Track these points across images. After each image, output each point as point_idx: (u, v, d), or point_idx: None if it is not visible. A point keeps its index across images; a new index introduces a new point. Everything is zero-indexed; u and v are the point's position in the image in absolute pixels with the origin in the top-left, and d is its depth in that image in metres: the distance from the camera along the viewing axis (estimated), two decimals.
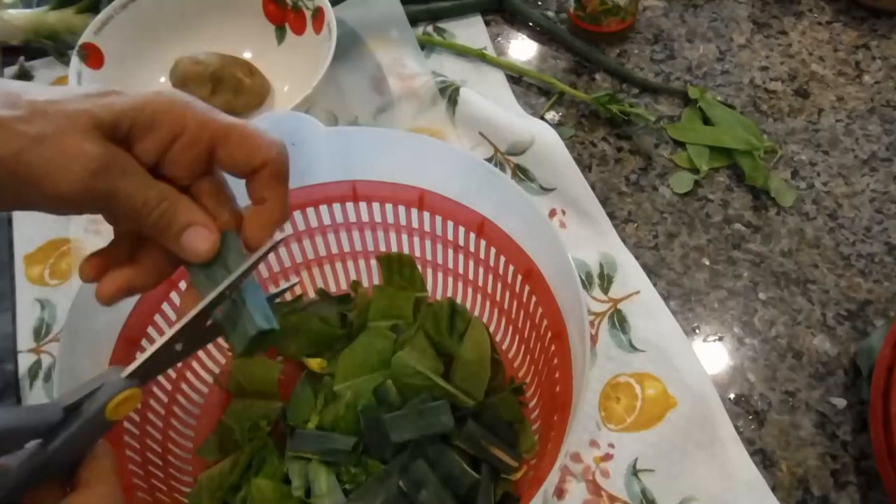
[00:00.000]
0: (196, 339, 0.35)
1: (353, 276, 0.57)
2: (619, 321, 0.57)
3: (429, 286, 0.56)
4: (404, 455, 0.47)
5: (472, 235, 0.50)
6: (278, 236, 0.37)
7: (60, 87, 0.33)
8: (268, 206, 0.36)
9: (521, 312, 0.50)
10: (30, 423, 0.30)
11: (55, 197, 0.31)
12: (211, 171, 0.35)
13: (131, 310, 0.46)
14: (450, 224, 0.50)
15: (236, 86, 0.68)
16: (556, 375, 0.44)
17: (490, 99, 0.70)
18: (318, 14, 0.68)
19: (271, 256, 0.53)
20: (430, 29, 0.78)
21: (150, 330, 0.47)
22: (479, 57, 0.75)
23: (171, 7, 0.72)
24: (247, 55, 0.73)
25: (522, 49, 0.77)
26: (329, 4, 0.67)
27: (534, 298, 0.47)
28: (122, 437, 0.44)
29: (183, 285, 0.49)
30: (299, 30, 0.71)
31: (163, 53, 0.71)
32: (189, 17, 0.73)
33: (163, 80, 0.70)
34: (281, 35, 0.73)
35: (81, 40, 0.66)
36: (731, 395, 0.55)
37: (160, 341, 0.34)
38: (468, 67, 0.75)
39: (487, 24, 0.79)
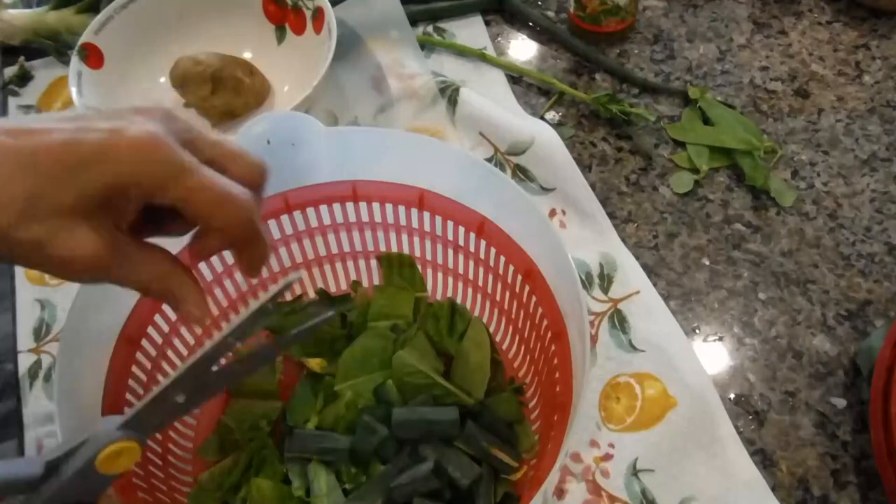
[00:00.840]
0: (200, 390, 0.33)
1: (353, 276, 0.57)
2: (619, 321, 0.57)
3: (429, 286, 0.56)
4: (404, 454, 0.47)
5: (472, 235, 0.50)
6: (292, 276, 0.34)
7: (29, 153, 0.30)
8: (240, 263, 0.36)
9: (521, 312, 0.50)
10: (6, 478, 0.29)
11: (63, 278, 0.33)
12: None
13: (131, 310, 0.46)
14: (450, 224, 0.50)
15: (236, 86, 0.68)
16: (556, 375, 0.44)
17: (490, 99, 0.70)
18: (318, 14, 0.68)
19: (272, 257, 0.53)
20: (430, 29, 0.78)
21: (150, 330, 0.47)
22: (479, 57, 0.75)
23: (170, 7, 0.72)
24: (247, 55, 0.73)
25: (522, 49, 0.77)
26: (329, 4, 0.67)
27: (534, 298, 0.47)
28: None
29: None
30: (299, 30, 0.71)
31: (163, 53, 0.71)
32: (189, 18, 0.73)
33: (163, 79, 0.70)
34: (281, 35, 0.73)
35: (81, 40, 0.66)
36: (731, 395, 0.55)
37: (155, 391, 0.32)
38: (468, 67, 0.75)
39: (487, 24, 0.79)
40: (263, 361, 0.36)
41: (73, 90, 0.64)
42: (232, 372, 0.34)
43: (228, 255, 0.51)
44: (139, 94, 0.70)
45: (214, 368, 0.33)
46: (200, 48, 0.69)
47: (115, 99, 0.68)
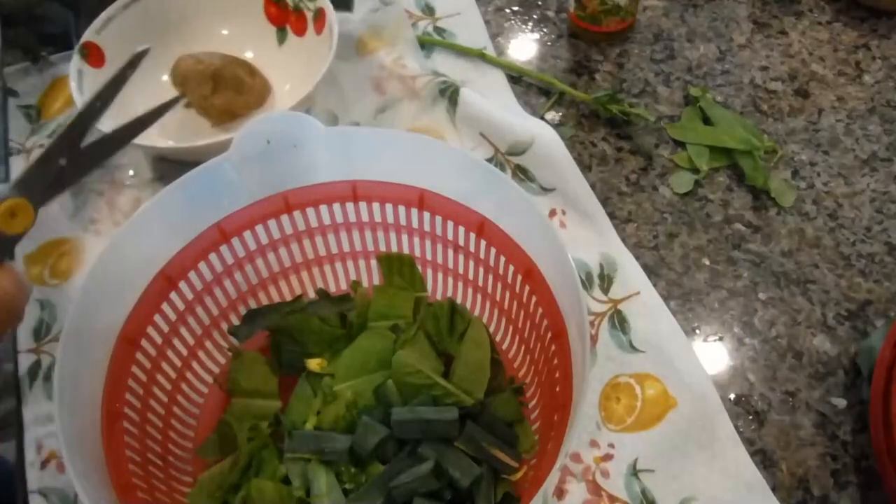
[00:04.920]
0: (79, 159, 0.40)
1: (353, 276, 0.57)
2: (619, 321, 0.57)
3: (429, 286, 0.56)
4: (404, 454, 0.47)
5: (472, 235, 0.50)
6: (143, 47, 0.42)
7: None
8: None
9: (521, 312, 0.50)
10: None
11: None
12: None
13: (131, 310, 0.46)
14: (450, 224, 0.50)
15: (237, 85, 0.68)
16: (556, 375, 0.44)
17: (490, 99, 0.70)
18: (320, 15, 0.68)
19: (271, 257, 0.53)
20: (430, 29, 0.78)
21: (150, 330, 0.47)
22: (479, 57, 0.75)
23: (173, 8, 0.72)
24: (248, 55, 0.73)
25: (522, 49, 0.77)
26: (330, 5, 0.67)
27: (534, 298, 0.47)
28: (122, 437, 0.44)
29: (183, 286, 0.49)
30: (301, 31, 0.71)
31: (164, 53, 0.70)
32: (191, 19, 0.73)
33: (164, 78, 0.70)
34: (282, 36, 0.73)
35: (83, 39, 0.66)
36: (731, 395, 0.55)
37: (36, 155, 0.38)
38: (468, 67, 0.75)
39: (487, 23, 0.79)
40: (129, 134, 0.43)
41: (74, 87, 0.64)
42: (105, 140, 0.42)
43: (229, 256, 0.51)
44: (140, 94, 0.70)
45: (90, 139, 0.40)
46: (202, 49, 0.69)
47: (116, 98, 0.68)
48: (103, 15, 0.68)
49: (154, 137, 0.68)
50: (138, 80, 0.69)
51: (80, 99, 0.64)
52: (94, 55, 0.67)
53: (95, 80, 0.66)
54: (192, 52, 0.68)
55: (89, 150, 0.40)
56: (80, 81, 0.64)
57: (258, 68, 0.71)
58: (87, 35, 0.67)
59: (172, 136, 0.69)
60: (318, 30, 0.69)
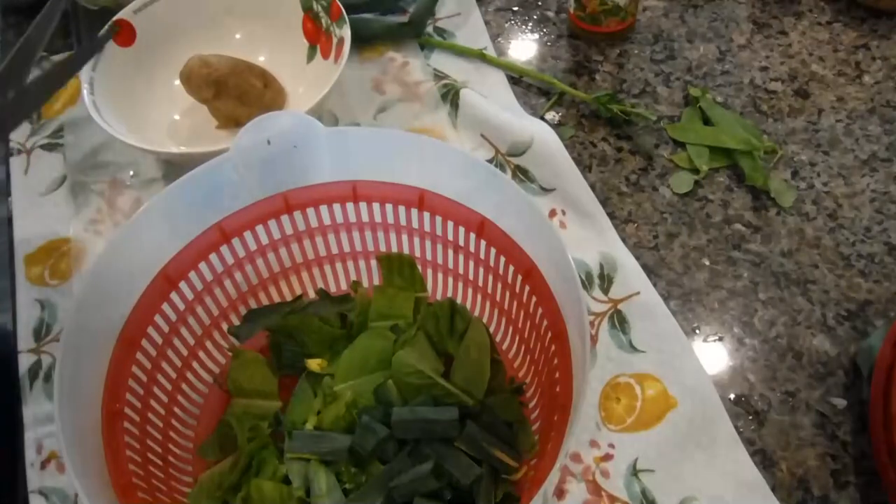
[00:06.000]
0: (25, 92, 0.48)
1: (353, 276, 0.57)
2: (619, 322, 0.57)
3: (429, 286, 0.56)
4: (404, 454, 0.47)
5: (472, 235, 0.50)
6: None
7: None
8: None
9: (521, 312, 0.50)
10: None
11: None
12: None
13: (131, 310, 0.46)
14: (450, 224, 0.50)
15: (241, 95, 0.66)
16: (556, 375, 0.44)
17: (490, 99, 0.70)
18: (340, 43, 0.67)
19: (271, 257, 0.53)
20: (430, 29, 0.78)
21: (150, 330, 0.47)
22: (479, 57, 0.75)
23: (215, 6, 0.72)
24: (278, 67, 0.71)
25: (522, 49, 0.77)
26: (349, 37, 0.66)
27: (534, 298, 0.47)
28: (122, 437, 0.44)
29: (183, 286, 0.49)
30: (326, 54, 0.70)
31: (193, 47, 0.69)
32: (232, 17, 0.73)
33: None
34: (312, 54, 0.72)
35: (118, 16, 0.67)
36: (731, 395, 0.55)
37: None
38: (468, 68, 0.75)
39: (488, 24, 0.79)
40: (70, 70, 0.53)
41: (89, 63, 0.64)
42: (46, 76, 0.50)
43: (229, 256, 0.51)
44: (158, 85, 0.70)
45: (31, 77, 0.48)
46: (232, 50, 0.68)
47: (130, 82, 0.67)
48: None
49: (161, 141, 0.68)
50: (160, 70, 0.69)
51: (88, 76, 0.63)
52: (124, 33, 0.67)
53: (116, 60, 0.66)
54: (218, 51, 0.66)
55: (33, 86, 0.48)
56: (96, 59, 0.64)
57: (275, 78, 0.69)
58: (124, 13, 0.67)
59: (180, 139, 0.69)
60: (336, 57, 0.67)
